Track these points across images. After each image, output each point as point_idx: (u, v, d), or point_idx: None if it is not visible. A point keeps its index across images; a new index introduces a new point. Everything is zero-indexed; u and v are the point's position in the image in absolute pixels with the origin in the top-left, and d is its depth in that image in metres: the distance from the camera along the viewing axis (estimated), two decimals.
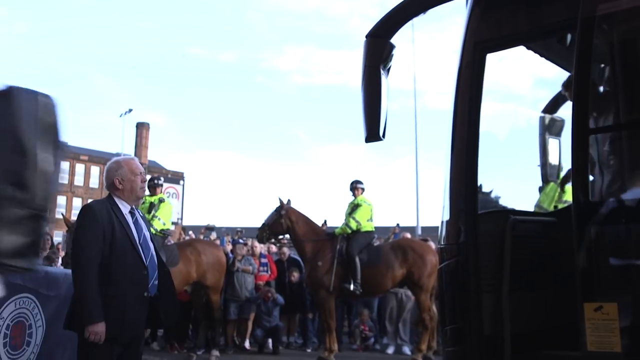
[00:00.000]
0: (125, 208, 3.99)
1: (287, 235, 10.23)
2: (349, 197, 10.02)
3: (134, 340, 3.94)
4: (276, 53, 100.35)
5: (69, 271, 4.38)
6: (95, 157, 59.26)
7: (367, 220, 9.71)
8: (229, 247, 12.19)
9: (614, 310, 3.01)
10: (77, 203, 53.78)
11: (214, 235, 14.83)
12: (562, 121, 4.77)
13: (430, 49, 73.41)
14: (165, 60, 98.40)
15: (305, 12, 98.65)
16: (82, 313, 3.70)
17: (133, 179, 4.02)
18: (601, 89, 4.03)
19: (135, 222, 4.00)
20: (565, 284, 3.46)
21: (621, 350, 2.98)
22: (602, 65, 4.11)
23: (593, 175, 3.35)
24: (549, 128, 4.78)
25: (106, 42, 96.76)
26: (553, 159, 4.71)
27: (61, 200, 56.25)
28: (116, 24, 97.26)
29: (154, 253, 4.02)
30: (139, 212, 4.12)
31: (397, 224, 16.04)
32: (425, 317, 9.29)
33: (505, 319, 3.70)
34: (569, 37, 4.05)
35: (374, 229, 9.89)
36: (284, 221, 9.81)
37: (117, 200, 4.00)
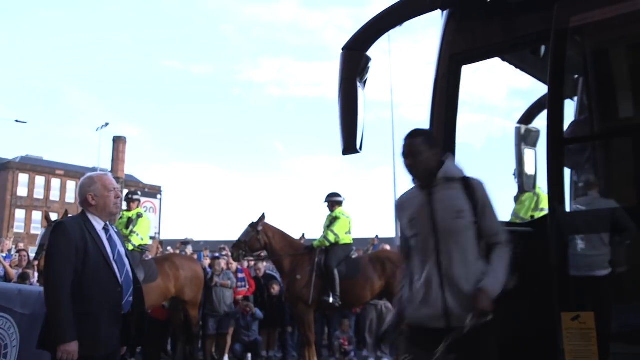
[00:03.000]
0: (98, 224, 3.94)
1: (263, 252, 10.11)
2: (327, 209, 9.97)
3: (109, 358, 3.87)
4: (251, 65, 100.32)
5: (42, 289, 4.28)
6: (71, 172, 58.60)
7: (346, 233, 9.66)
8: (207, 262, 12.08)
9: (591, 320, 3.01)
10: (53, 218, 52.70)
11: (189, 249, 14.68)
12: (538, 132, 4.80)
13: (406, 60, 73.85)
14: (140, 74, 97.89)
15: (280, 24, 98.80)
16: (54, 332, 3.63)
17: (107, 195, 3.96)
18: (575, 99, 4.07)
19: (110, 239, 3.94)
20: (542, 294, 3.46)
21: (599, 359, 2.98)
22: (576, 76, 4.15)
23: (569, 185, 3.37)
24: (525, 138, 4.80)
25: (80, 55, 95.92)
26: (529, 169, 4.73)
27: (36, 215, 55.53)
28: (90, 37, 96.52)
29: (129, 269, 3.96)
30: (113, 228, 4.06)
31: (376, 236, 16.06)
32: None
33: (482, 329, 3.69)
34: (542, 48, 4.09)
35: (352, 242, 9.86)
36: (261, 237, 9.69)
37: (90, 216, 3.93)
